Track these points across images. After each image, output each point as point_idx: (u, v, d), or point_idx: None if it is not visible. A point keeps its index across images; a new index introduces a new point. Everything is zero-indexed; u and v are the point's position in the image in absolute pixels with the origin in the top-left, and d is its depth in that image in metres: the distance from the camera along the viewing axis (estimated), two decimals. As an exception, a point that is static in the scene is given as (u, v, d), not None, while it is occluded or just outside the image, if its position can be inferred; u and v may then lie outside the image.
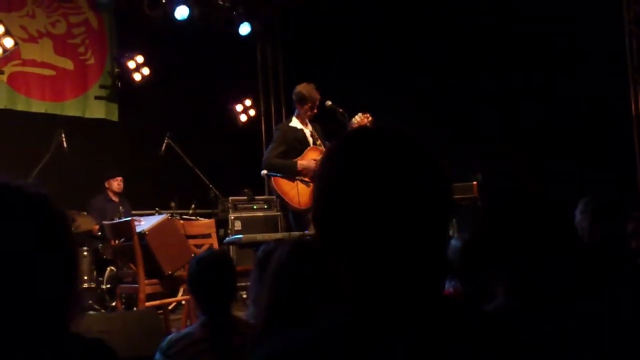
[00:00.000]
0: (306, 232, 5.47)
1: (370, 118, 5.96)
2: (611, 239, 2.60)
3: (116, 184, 7.40)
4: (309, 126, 5.52)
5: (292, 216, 5.47)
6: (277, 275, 1.73)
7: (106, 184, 7.42)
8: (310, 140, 5.48)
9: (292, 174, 5.23)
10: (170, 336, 2.44)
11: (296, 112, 5.55)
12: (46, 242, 1.14)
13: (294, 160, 5.32)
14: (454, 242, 2.60)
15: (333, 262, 0.93)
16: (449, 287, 2.57)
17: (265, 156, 5.41)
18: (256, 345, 1.42)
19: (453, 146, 6.36)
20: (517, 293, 1.58)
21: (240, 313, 2.93)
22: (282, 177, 5.25)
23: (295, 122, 5.52)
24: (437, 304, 0.92)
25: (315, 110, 5.46)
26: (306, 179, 5.22)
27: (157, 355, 2.34)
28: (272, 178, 5.29)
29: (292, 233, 5.16)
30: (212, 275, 2.44)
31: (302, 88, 5.44)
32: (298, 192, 5.19)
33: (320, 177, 0.96)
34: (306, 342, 0.89)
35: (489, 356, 0.88)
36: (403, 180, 0.90)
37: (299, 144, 5.42)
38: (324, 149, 5.37)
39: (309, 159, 5.34)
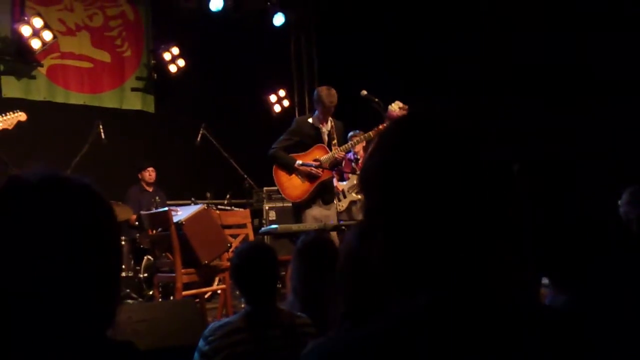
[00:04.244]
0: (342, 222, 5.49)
1: (406, 107, 5.93)
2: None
3: (148, 174, 7.54)
4: (328, 125, 5.56)
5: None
6: (349, 262, 1.64)
7: (139, 175, 7.56)
8: (326, 139, 5.55)
9: (289, 169, 5.42)
10: (212, 324, 2.47)
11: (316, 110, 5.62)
12: (93, 234, 1.13)
13: (295, 157, 5.43)
14: None
15: (394, 253, 0.90)
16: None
17: (273, 145, 5.52)
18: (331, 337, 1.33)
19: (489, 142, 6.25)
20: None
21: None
22: (281, 169, 5.45)
23: (313, 119, 5.59)
24: (512, 301, 0.89)
25: (329, 114, 5.53)
26: (302, 175, 5.41)
27: (200, 342, 2.37)
28: (273, 167, 5.50)
29: (327, 224, 5.20)
30: (253, 268, 2.45)
31: (320, 91, 5.51)
32: (292, 185, 5.43)
33: (371, 169, 0.93)
34: (383, 335, 0.86)
35: None
36: (464, 167, 0.87)
37: (310, 140, 5.52)
38: (334, 149, 5.49)
39: (313, 157, 5.48)
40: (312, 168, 5.38)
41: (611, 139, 6.18)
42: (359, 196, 6.61)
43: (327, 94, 5.42)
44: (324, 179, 5.45)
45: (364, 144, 6.05)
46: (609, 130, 6.18)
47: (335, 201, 5.81)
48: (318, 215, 5.43)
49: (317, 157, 5.48)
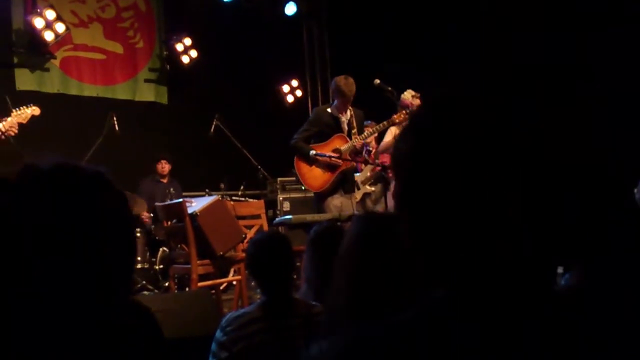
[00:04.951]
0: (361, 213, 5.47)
1: (419, 95, 5.91)
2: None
3: (160, 166, 7.53)
4: (348, 114, 5.54)
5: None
6: (351, 254, 1.55)
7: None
8: (346, 128, 5.54)
9: (309, 159, 5.44)
10: (229, 314, 2.46)
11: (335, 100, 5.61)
12: (106, 221, 1.14)
13: (314, 147, 5.45)
14: None
15: (419, 244, 0.85)
16: None
17: (294, 135, 5.55)
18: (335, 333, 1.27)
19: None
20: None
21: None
22: (302, 159, 5.49)
23: (332, 109, 5.59)
24: (544, 297, 0.85)
25: (349, 104, 5.52)
26: (323, 165, 5.45)
27: (218, 333, 2.36)
28: (295, 157, 5.55)
29: (342, 214, 5.20)
30: (269, 257, 2.44)
31: (338, 81, 5.49)
32: (312, 175, 5.46)
33: (400, 155, 0.88)
34: (395, 331, 0.81)
35: None
36: (495, 149, 0.83)
37: (329, 129, 5.53)
38: (354, 137, 5.49)
39: (333, 146, 5.49)
40: (327, 158, 5.37)
41: (611, 139, 6.11)
42: (373, 188, 6.59)
43: (346, 84, 5.41)
44: (344, 169, 5.45)
45: (376, 135, 6.04)
46: (609, 130, 6.12)
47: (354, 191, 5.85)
48: (339, 204, 5.44)
49: (337, 146, 5.49)
